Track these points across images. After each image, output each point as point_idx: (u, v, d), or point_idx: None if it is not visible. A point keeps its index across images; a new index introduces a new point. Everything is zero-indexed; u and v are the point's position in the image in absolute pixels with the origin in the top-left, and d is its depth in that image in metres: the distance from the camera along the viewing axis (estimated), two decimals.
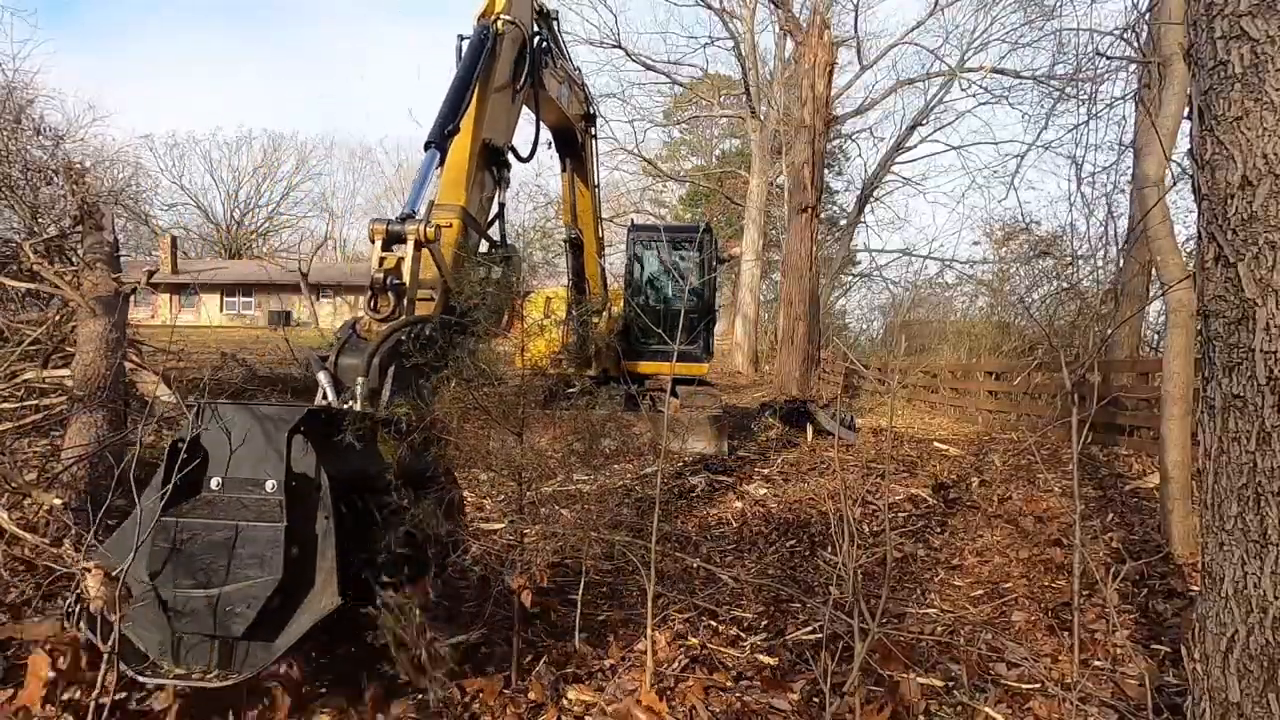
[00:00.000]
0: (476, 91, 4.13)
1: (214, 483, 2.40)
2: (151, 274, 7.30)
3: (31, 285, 6.04)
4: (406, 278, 3.21)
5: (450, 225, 3.80)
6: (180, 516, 2.32)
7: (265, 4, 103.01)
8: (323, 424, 2.50)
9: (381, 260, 3.24)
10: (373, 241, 3.31)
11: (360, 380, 2.85)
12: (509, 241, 4.62)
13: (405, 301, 3.20)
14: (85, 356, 4.88)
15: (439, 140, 3.81)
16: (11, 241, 7.04)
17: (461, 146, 4.03)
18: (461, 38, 4.57)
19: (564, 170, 8.07)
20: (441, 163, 3.87)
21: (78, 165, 7.99)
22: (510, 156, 4.64)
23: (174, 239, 48.12)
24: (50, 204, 7.51)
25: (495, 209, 4.51)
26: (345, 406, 2.69)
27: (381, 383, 2.97)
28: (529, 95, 5.02)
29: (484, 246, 4.33)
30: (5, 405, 5.37)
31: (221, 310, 45.21)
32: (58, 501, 4.18)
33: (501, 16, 4.50)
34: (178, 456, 2.35)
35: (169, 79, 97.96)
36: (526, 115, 5.09)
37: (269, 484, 2.35)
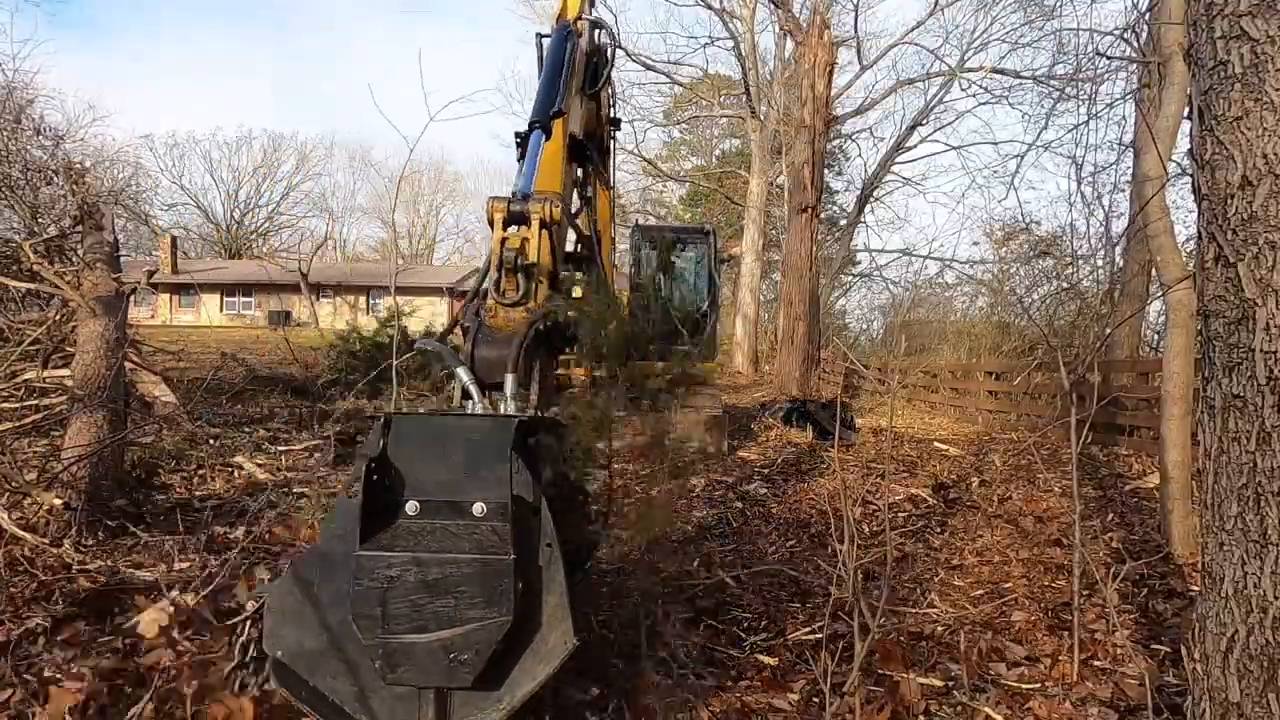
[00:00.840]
0: (562, 85, 4.18)
1: (410, 507, 2.03)
2: (151, 274, 7.31)
3: (31, 285, 6.04)
4: (533, 257, 2.96)
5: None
6: (383, 550, 1.94)
7: (265, 4, 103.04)
8: (529, 441, 2.18)
9: (504, 240, 2.98)
10: (491, 221, 3.07)
11: (509, 377, 2.57)
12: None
13: (533, 285, 2.93)
14: (85, 356, 4.88)
15: (544, 120, 3.67)
16: (11, 241, 7.05)
17: (556, 134, 3.99)
18: (540, 36, 4.72)
19: (586, 173, 8.16)
20: (524, 147, 3.80)
21: (78, 165, 8.00)
22: (593, 166, 4.70)
23: (174, 239, 48.12)
24: (50, 204, 7.52)
25: (577, 209, 4.47)
26: (529, 413, 2.37)
27: (529, 378, 2.70)
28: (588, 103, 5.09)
29: (570, 240, 4.22)
30: (5, 405, 5.37)
31: (221, 310, 45.21)
32: (58, 501, 4.19)
33: (582, 17, 4.64)
34: (371, 478, 1.99)
35: (169, 79, 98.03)
36: None
37: (476, 507, 2.01)
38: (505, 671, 1.93)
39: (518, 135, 3.82)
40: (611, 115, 7.85)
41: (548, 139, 3.67)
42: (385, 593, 1.90)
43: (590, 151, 4.53)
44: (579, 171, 4.41)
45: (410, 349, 2.94)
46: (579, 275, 3.87)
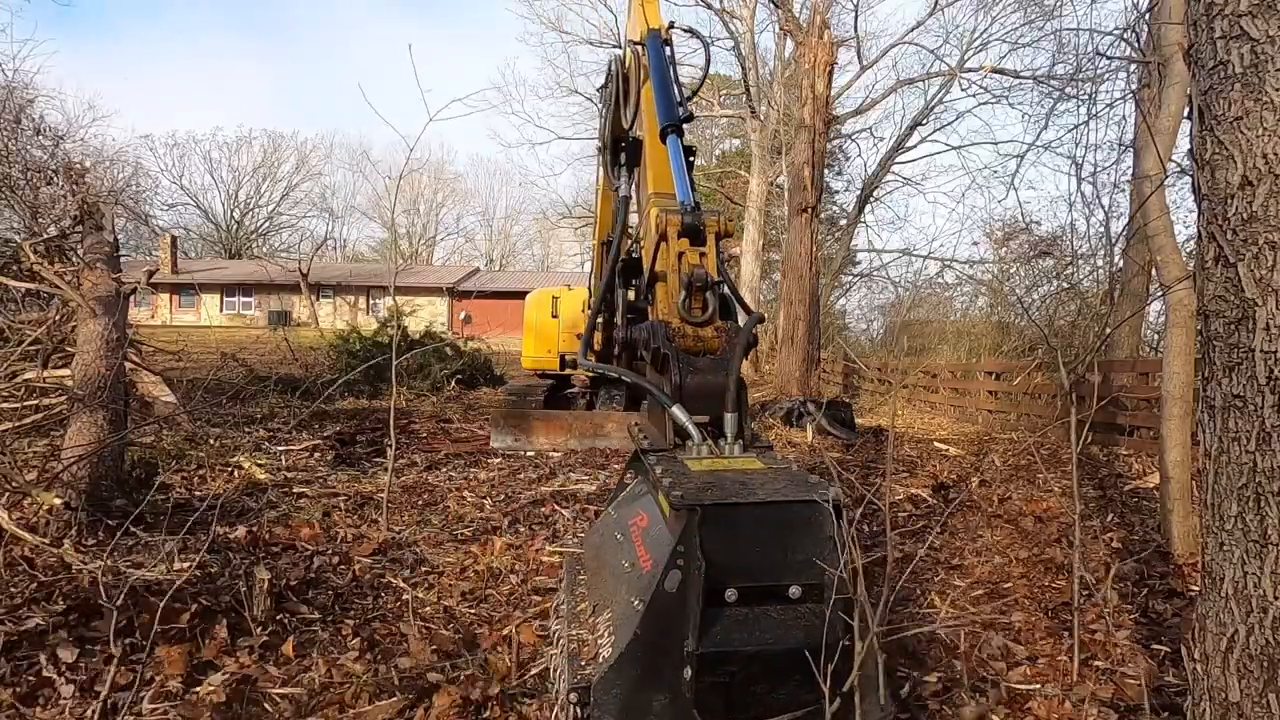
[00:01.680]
0: (676, 89, 4.22)
1: (729, 595, 2.02)
2: (151, 274, 7.31)
3: (31, 285, 6.04)
4: (714, 274, 2.86)
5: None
6: (723, 645, 1.95)
7: (266, 4, 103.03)
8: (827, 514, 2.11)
9: (682, 255, 2.88)
10: (663, 236, 2.97)
11: (729, 418, 2.52)
12: None
13: (718, 301, 2.84)
14: (85, 356, 4.89)
15: (677, 123, 3.65)
16: (11, 241, 7.05)
17: (656, 143, 3.97)
18: (632, 42, 4.80)
19: (617, 178, 8.20)
20: (635, 154, 3.81)
21: (78, 165, 8.01)
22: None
23: (174, 239, 48.10)
24: (50, 204, 7.53)
25: None
26: (823, 482, 2.22)
27: (741, 408, 2.59)
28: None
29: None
30: (5, 405, 5.38)
31: (221, 310, 45.21)
32: (58, 501, 4.19)
33: (674, 25, 4.71)
34: (690, 573, 1.96)
35: (169, 79, 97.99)
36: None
37: (793, 590, 2.04)
38: None
39: (609, 141, 3.83)
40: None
41: (681, 139, 3.61)
42: (728, 686, 1.94)
43: (691, 160, 4.61)
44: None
45: (569, 369, 2.76)
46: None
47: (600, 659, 2.10)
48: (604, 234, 8.22)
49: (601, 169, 7.61)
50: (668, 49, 4.53)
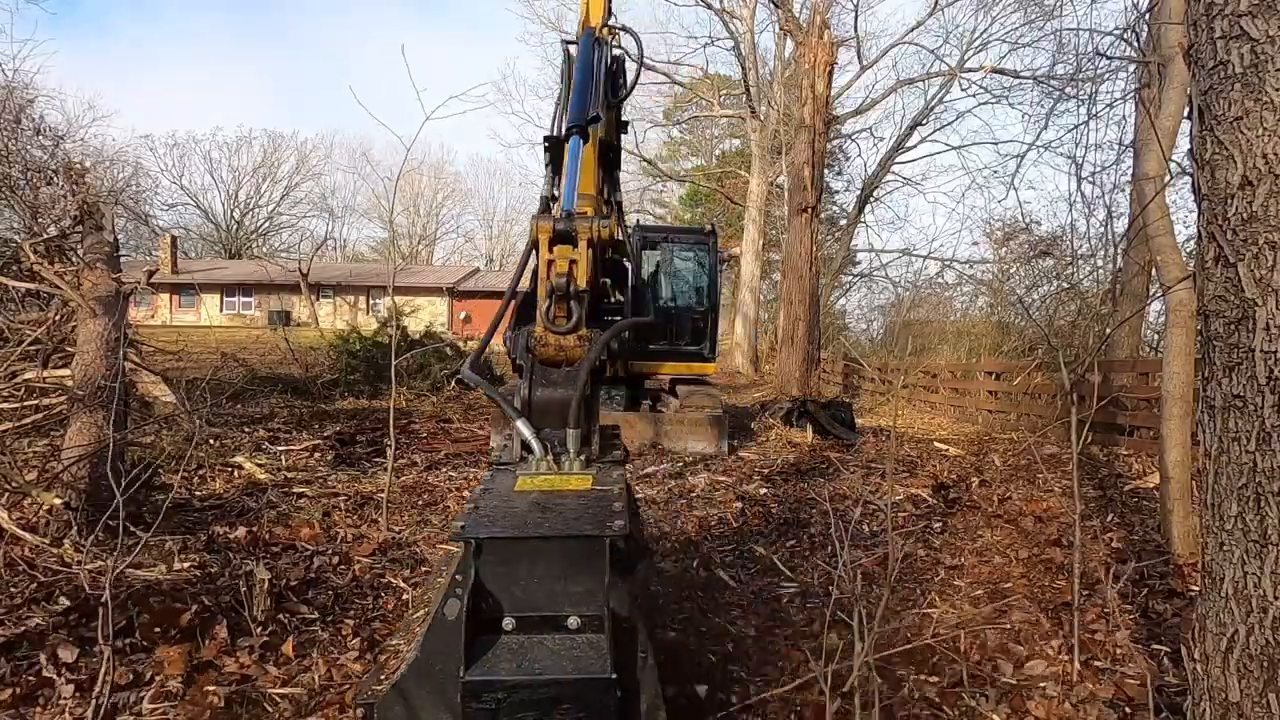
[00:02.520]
0: (594, 90, 4.10)
1: (507, 623, 2.05)
2: (151, 274, 7.31)
3: (31, 285, 6.04)
4: (582, 283, 2.79)
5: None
6: (490, 675, 1.98)
7: (266, 4, 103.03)
8: (616, 547, 2.12)
9: (551, 264, 2.82)
10: (535, 242, 2.88)
11: (571, 433, 2.48)
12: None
13: (584, 310, 2.76)
14: (85, 356, 4.88)
15: (583, 125, 3.50)
16: (11, 241, 7.05)
17: (592, 140, 3.88)
18: (566, 42, 4.67)
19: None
20: (555, 154, 3.62)
21: (78, 165, 8.00)
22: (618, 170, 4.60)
23: (174, 239, 48.09)
24: (50, 204, 7.52)
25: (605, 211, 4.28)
26: (617, 510, 2.21)
27: (589, 422, 2.57)
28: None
29: None
30: (5, 405, 5.38)
31: (221, 310, 45.19)
32: (58, 501, 4.19)
33: (609, 24, 4.61)
34: (462, 603, 2.01)
35: (169, 78, 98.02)
36: None
37: (571, 620, 2.05)
38: None
39: (546, 140, 3.65)
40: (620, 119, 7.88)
41: (586, 144, 3.52)
42: (494, 713, 1.96)
43: (618, 157, 4.40)
44: (609, 177, 4.28)
45: (457, 377, 2.74)
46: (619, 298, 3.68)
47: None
48: None
49: None
50: (607, 50, 4.42)
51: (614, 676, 1.97)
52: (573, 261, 2.83)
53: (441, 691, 2.04)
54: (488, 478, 2.47)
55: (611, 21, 4.77)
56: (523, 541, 2.07)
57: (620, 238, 3.98)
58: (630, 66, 5.95)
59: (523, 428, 2.52)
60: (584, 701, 1.97)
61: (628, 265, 3.91)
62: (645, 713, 2.07)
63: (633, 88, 4.72)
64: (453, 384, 14.09)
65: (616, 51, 4.75)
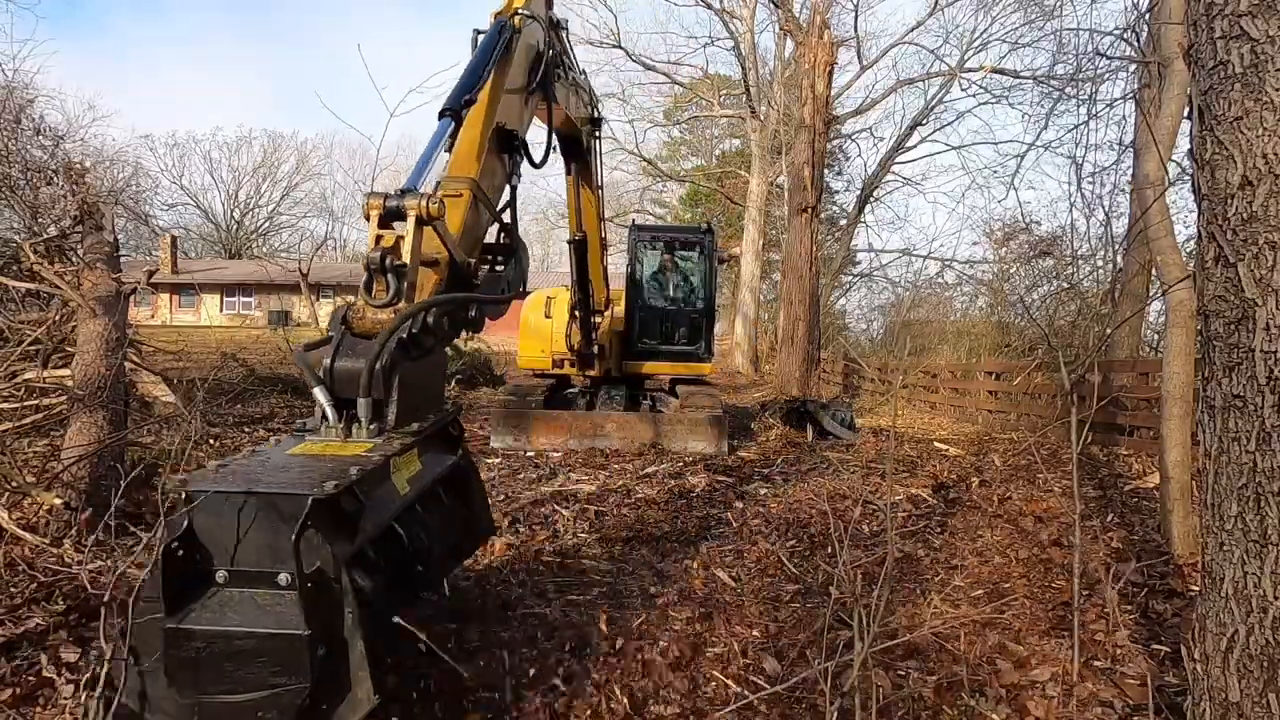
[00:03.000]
0: (493, 76, 4.06)
1: (220, 576, 2.13)
2: (151, 274, 7.31)
3: (31, 285, 6.04)
4: (406, 258, 2.87)
5: (460, 195, 3.52)
6: (192, 624, 2.06)
7: (266, 4, 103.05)
8: (335, 509, 2.22)
9: (378, 239, 2.90)
10: (367, 218, 2.94)
11: (362, 403, 2.56)
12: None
13: (405, 285, 2.84)
14: (85, 356, 4.89)
15: (455, 109, 3.54)
16: (11, 241, 7.05)
17: (474, 122, 3.79)
18: (477, 31, 4.59)
19: (569, 174, 8.10)
20: (454, 135, 3.58)
21: (78, 165, 8.01)
22: (523, 158, 4.52)
23: (174, 239, 48.08)
24: (50, 204, 7.52)
25: (506, 196, 4.22)
26: (354, 474, 2.28)
27: (387, 394, 2.65)
28: (540, 102, 4.98)
29: (492, 233, 4.04)
30: (5, 405, 5.38)
31: (221, 310, 45.20)
32: (58, 501, 4.19)
33: (519, 12, 4.54)
34: (175, 552, 2.07)
35: (169, 78, 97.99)
36: (537, 124, 5.13)
37: (281, 577, 2.08)
38: None
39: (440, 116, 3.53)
40: (594, 115, 7.83)
41: (457, 127, 3.54)
42: (196, 659, 2.04)
43: (518, 143, 4.28)
44: (503, 163, 4.13)
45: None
46: (500, 270, 3.78)
47: None
48: (572, 228, 8.30)
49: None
50: (514, 36, 4.40)
51: (307, 633, 2.02)
52: (399, 238, 2.89)
53: (151, 643, 2.09)
54: (274, 441, 2.60)
55: (533, 9, 4.72)
56: (235, 497, 2.12)
57: (508, 221, 3.95)
58: (571, 47, 5.85)
59: (319, 395, 2.58)
60: (279, 656, 2.03)
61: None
62: (352, 669, 2.12)
63: (541, 76, 4.67)
64: (452, 384, 14.09)
65: (532, 42, 4.68)
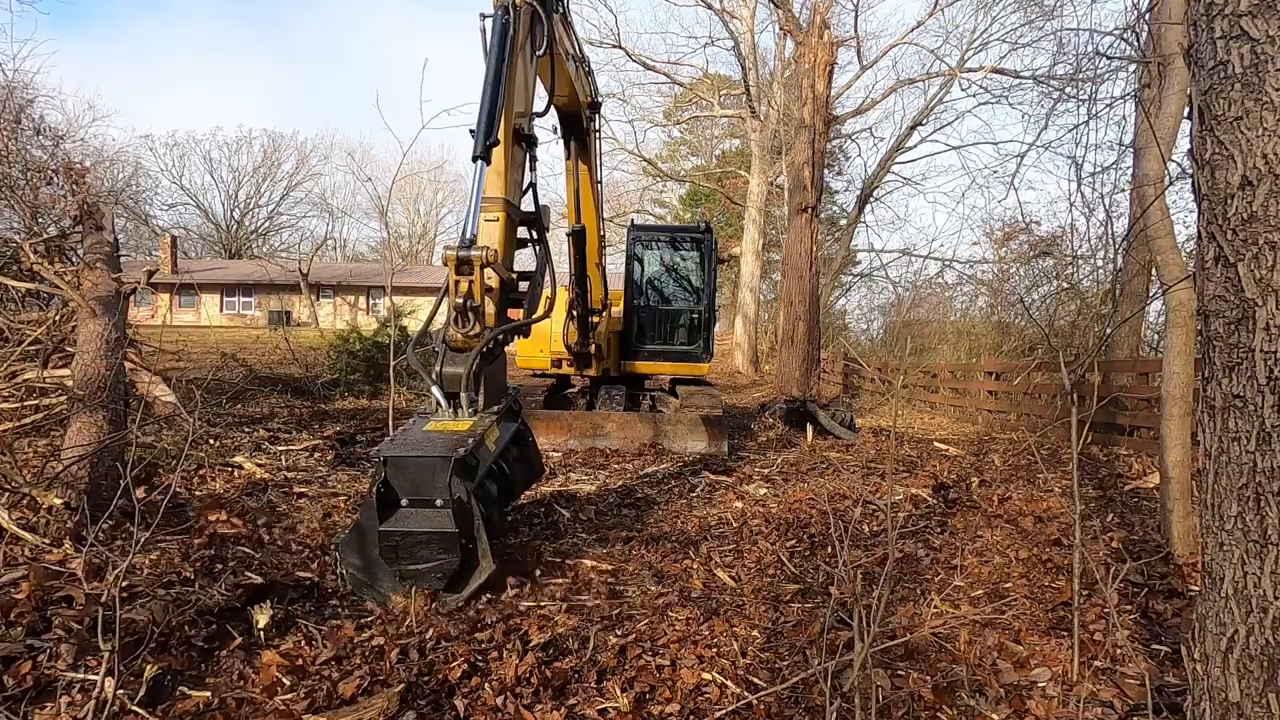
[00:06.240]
0: (505, 79, 4.47)
1: (404, 502, 3.65)
2: (151, 274, 7.30)
3: (31, 285, 6.04)
4: (478, 298, 4.17)
5: (497, 219, 4.58)
6: (394, 528, 3.59)
7: (266, 3, 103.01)
8: (464, 463, 3.68)
9: (457, 284, 4.18)
10: (446, 265, 4.17)
11: (464, 395, 4.11)
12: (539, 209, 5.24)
13: (483, 318, 4.21)
14: (85, 356, 4.89)
15: (485, 153, 4.34)
16: (12, 241, 7.05)
17: (498, 154, 4.47)
18: (484, 16, 4.73)
19: (568, 158, 8.09)
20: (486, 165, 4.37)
21: (78, 165, 8.01)
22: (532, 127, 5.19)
23: (174, 239, 48.07)
24: (50, 204, 7.53)
25: (527, 185, 5.07)
26: (471, 442, 3.78)
27: (477, 389, 4.20)
28: (545, 66, 5.35)
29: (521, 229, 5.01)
30: (5, 405, 5.38)
31: (221, 310, 45.19)
32: (58, 501, 4.19)
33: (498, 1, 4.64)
34: (379, 491, 3.63)
35: (169, 78, 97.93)
36: (542, 130, 5.50)
37: (439, 500, 3.59)
38: (464, 579, 3.69)
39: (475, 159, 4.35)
40: (594, 99, 7.85)
41: (489, 166, 4.42)
42: (396, 545, 3.60)
43: (533, 136, 5.13)
44: (522, 158, 5.04)
45: (406, 358, 4.07)
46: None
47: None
48: (571, 221, 8.35)
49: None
50: (516, 18, 4.76)
51: (456, 531, 3.56)
52: (472, 283, 4.17)
53: (371, 540, 3.65)
54: (414, 419, 4.15)
55: None
56: (407, 459, 3.66)
57: (538, 234, 5.10)
58: (571, 20, 6.23)
59: (435, 391, 4.18)
60: (441, 544, 3.59)
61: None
62: (480, 553, 3.66)
63: (549, 40, 5.39)
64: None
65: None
